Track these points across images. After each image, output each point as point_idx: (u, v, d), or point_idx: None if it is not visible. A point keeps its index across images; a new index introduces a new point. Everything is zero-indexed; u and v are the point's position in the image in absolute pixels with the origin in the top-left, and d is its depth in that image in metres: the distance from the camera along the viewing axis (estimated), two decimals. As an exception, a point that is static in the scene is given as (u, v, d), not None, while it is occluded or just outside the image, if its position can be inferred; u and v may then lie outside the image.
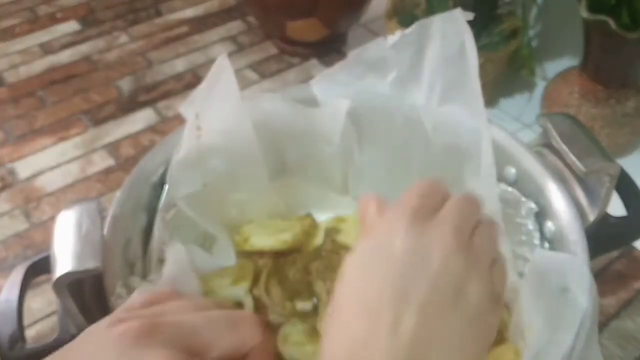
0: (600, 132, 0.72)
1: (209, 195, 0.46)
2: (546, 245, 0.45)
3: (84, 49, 0.95)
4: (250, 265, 0.50)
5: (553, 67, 0.83)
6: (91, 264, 0.36)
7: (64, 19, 1.01)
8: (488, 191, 0.46)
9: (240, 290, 0.49)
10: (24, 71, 0.91)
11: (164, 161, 0.46)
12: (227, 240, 0.48)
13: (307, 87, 0.51)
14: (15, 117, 0.83)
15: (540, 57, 0.86)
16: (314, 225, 0.53)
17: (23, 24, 1.00)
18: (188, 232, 0.48)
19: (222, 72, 0.44)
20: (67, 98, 0.86)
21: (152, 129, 0.80)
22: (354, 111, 0.50)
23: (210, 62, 0.43)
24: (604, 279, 0.61)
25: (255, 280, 0.50)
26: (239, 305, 0.48)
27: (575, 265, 0.40)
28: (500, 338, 0.46)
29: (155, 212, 0.45)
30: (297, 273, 0.49)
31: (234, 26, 0.99)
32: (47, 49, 0.95)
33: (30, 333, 0.56)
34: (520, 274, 0.46)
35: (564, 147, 0.45)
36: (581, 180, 0.45)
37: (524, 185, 0.48)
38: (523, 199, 0.47)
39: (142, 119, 0.82)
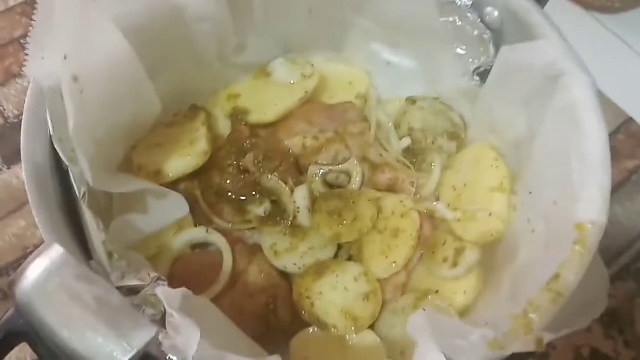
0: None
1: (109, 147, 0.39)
2: (490, 34, 0.44)
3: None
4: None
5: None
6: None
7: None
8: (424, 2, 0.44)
9: (199, 233, 0.42)
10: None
11: (46, 142, 0.39)
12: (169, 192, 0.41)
13: None
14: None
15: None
16: (209, 116, 0.46)
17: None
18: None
19: None
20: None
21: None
22: None
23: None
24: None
25: (194, 215, 0.43)
26: (219, 253, 0.42)
27: (563, 48, 0.38)
28: (460, 143, 0.45)
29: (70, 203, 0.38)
30: (234, 179, 0.43)
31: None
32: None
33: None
34: (477, 74, 0.45)
35: None
36: None
37: None
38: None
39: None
